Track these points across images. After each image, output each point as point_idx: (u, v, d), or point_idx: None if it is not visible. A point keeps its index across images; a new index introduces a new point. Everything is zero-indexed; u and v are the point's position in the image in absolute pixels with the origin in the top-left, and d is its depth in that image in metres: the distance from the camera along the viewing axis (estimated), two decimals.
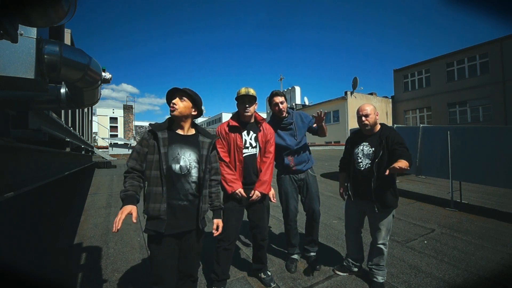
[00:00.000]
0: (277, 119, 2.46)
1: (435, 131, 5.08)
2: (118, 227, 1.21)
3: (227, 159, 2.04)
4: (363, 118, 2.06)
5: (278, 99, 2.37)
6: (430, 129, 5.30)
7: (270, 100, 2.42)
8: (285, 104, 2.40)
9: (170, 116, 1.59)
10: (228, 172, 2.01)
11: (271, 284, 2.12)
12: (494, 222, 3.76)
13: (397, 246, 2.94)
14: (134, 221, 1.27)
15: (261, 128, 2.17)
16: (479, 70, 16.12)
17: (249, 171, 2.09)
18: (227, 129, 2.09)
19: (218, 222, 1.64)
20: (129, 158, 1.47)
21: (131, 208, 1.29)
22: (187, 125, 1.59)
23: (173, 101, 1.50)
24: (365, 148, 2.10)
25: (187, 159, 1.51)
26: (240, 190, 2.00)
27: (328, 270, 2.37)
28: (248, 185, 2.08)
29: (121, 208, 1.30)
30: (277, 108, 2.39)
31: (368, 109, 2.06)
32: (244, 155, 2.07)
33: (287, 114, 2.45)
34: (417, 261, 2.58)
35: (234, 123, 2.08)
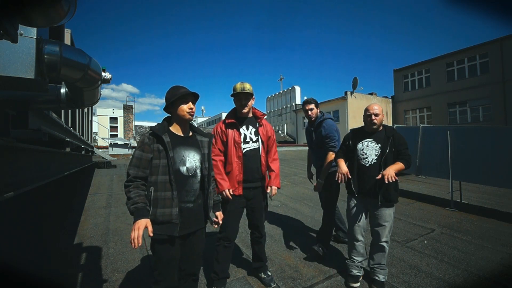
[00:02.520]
0: (309, 123, 2.87)
1: (435, 131, 5.08)
2: (140, 244, 1.22)
3: (217, 158, 2.01)
4: (373, 117, 2.09)
5: (308, 106, 2.76)
6: (430, 129, 5.30)
7: (303, 107, 2.82)
8: (314, 111, 2.76)
9: (166, 117, 1.58)
10: (215, 172, 1.95)
11: (271, 284, 2.12)
12: (494, 222, 3.76)
13: (397, 246, 2.94)
14: (151, 235, 1.28)
15: (261, 123, 2.16)
16: (479, 70, 16.09)
17: (250, 167, 2.04)
18: (223, 126, 2.07)
19: (219, 214, 1.69)
20: (130, 166, 1.39)
21: (146, 222, 1.28)
22: (187, 126, 1.59)
23: (192, 106, 1.51)
24: (370, 144, 2.11)
25: (192, 160, 1.51)
26: (227, 192, 1.95)
27: (328, 270, 2.37)
28: (249, 182, 2.05)
29: (133, 222, 1.27)
30: (307, 114, 2.79)
31: (378, 109, 2.11)
32: (244, 150, 2.04)
33: (315, 119, 2.76)
34: (417, 261, 2.58)
35: (230, 120, 2.07)
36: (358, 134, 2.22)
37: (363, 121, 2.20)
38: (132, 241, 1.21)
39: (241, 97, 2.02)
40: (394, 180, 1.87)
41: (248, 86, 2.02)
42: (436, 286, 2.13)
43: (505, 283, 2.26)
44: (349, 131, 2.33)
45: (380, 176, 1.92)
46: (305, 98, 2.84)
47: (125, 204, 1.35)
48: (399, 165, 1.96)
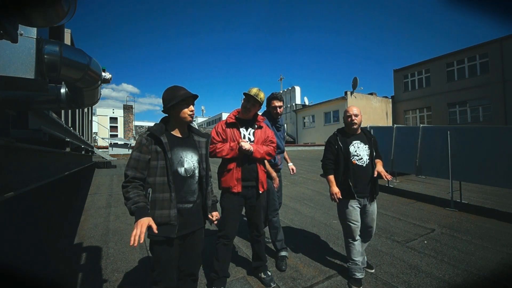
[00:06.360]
0: (272, 120, 2.63)
1: (435, 131, 5.08)
2: (141, 241, 1.18)
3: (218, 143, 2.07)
4: (353, 117, 2.19)
5: (278, 103, 2.56)
6: (430, 129, 5.30)
7: (269, 102, 2.59)
8: (282, 108, 2.61)
9: (163, 117, 1.58)
10: (221, 145, 2.04)
11: (271, 284, 2.12)
12: (494, 222, 3.77)
13: (397, 246, 2.94)
14: (156, 232, 1.26)
15: (261, 125, 2.20)
16: (479, 70, 16.09)
17: (248, 166, 2.07)
18: (224, 126, 2.13)
19: (216, 214, 1.69)
20: (128, 167, 1.38)
21: (148, 221, 1.25)
22: (185, 127, 1.59)
23: (193, 108, 1.52)
24: (360, 146, 2.20)
25: (190, 160, 1.51)
26: (242, 143, 1.97)
27: (328, 270, 2.37)
28: (247, 180, 2.07)
29: (135, 222, 1.24)
30: (275, 111, 2.58)
31: (356, 110, 2.22)
32: None
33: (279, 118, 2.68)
34: (417, 261, 2.58)
35: (232, 120, 2.13)
36: (344, 138, 2.25)
37: (344, 122, 2.30)
38: (133, 238, 1.17)
39: (250, 101, 2.09)
40: (389, 178, 2.12)
41: (262, 96, 2.10)
42: (436, 286, 2.13)
43: (505, 283, 2.26)
44: (334, 134, 2.32)
45: (376, 173, 2.08)
46: (273, 92, 2.59)
47: (125, 205, 1.33)
48: (381, 163, 2.20)
